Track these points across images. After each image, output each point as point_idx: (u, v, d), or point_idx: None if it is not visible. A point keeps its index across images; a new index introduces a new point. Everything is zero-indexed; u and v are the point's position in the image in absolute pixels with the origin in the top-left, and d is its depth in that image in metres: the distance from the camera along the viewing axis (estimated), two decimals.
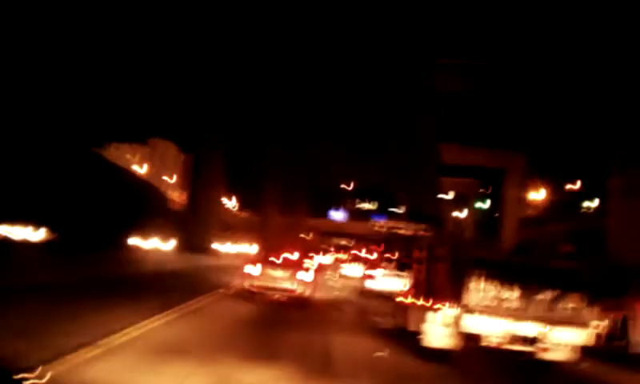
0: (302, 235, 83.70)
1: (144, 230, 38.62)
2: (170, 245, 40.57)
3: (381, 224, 39.97)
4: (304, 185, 72.62)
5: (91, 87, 35.43)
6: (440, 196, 55.79)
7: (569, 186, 49.77)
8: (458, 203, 55.87)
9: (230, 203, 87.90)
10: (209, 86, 38.54)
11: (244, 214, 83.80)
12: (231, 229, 65.69)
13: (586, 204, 48.24)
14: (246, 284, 18.85)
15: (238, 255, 60.85)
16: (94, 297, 14.12)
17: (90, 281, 17.50)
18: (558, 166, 41.77)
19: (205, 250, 41.66)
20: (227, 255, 55.93)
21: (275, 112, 42.47)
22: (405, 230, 39.43)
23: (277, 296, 18.58)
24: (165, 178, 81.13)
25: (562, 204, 45.10)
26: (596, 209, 45.57)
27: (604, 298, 13.76)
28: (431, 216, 51.04)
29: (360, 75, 34.38)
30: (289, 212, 73.78)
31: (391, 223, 42.33)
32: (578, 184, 50.31)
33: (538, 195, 39.79)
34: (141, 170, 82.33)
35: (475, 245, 35.21)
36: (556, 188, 43.73)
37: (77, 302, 13.04)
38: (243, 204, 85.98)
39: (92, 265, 20.32)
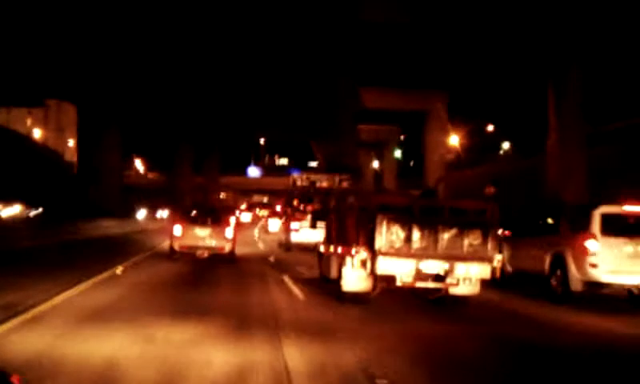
0: (221, 193, 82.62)
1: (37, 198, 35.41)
2: (75, 211, 37.61)
3: (302, 177, 38.77)
4: (215, 143, 70.32)
5: None
6: (358, 145, 54.90)
7: (487, 128, 50.06)
8: (377, 151, 55.04)
9: (138, 165, 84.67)
10: (106, 41, 34.87)
11: (153, 176, 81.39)
12: (141, 192, 63.44)
13: (504, 146, 48.67)
14: (171, 244, 19.58)
15: (149, 218, 58.22)
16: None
17: None
18: (476, 108, 41.52)
19: (113, 214, 38.92)
20: (138, 219, 53.14)
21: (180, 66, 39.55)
22: (324, 182, 38.39)
23: (199, 253, 19.29)
24: (71, 141, 76.28)
25: (482, 146, 45.34)
26: (512, 150, 46.01)
27: (539, 235, 14.28)
28: (349, 167, 50.05)
29: (271, 14, 31.74)
30: (202, 171, 72.13)
31: (311, 176, 41.17)
32: (492, 127, 50.70)
33: (458, 138, 39.35)
34: (38, 133, 77.33)
35: (396, 193, 34.49)
36: (475, 130, 43.75)
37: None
38: (151, 165, 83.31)
39: None
